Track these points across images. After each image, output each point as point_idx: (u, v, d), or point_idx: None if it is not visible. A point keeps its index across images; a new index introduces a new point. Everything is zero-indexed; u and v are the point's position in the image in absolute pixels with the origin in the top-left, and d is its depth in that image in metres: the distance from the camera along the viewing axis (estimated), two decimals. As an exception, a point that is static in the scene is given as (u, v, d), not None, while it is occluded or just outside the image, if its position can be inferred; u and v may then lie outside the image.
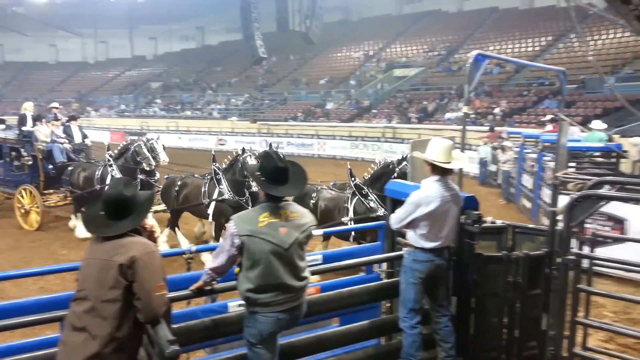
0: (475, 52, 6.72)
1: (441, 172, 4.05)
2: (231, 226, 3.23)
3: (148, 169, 9.73)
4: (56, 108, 12.59)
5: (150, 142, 9.69)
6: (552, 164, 9.50)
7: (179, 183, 8.98)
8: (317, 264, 4.46)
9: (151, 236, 3.04)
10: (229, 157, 8.74)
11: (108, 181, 9.42)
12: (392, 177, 7.16)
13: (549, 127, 12.42)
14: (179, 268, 5.40)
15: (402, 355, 4.03)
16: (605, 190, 4.98)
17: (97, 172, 10.01)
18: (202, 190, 8.57)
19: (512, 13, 34.24)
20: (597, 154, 10.04)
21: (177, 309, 3.83)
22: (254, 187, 7.99)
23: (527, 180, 11.90)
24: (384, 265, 4.97)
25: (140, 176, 9.70)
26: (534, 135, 13.12)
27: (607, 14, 10.17)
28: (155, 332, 2.71)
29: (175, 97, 41.58)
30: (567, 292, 4.25)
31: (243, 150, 8.44)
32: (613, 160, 9.65)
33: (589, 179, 5.20)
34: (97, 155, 11.47)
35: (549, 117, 13.26)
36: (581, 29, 21.55)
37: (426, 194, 4.00)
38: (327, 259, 4.66)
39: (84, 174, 10.24)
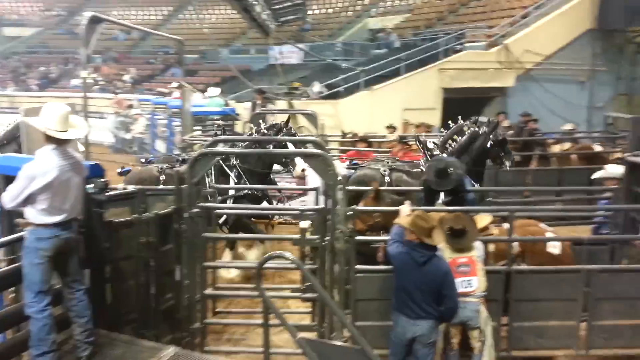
0: (89, 14, 6.43)
1: (56, 140, 3.79)
2: None
3: None
4: None
5: None
6: (180, 128, 10.18)
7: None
8: None
9: None
10: None
11: None
12: (487, 148, 6.44)
13: (176, 94, 13.13)
14: None
15: (30, 343, 3.70)
16: (220, 148, 5.70)
17: None
18: None
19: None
20: (217, 117, 11.30)
21: None
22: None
23: (160, 145, 12.37)
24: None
25: None
26: (163, 102, 13.66)
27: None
28: None
29: None
30: (196, 241, 4.73)
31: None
32: (230, 122, 11.06)
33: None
34: None
35: (174, 84, 14.01)
36: (197, 3, 23.24)
37: (41, 165, 3.70)
38: None
39: None
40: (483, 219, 4.69)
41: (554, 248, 4.77)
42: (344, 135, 10.93)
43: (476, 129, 6.57)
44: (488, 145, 6.49)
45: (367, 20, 24.30)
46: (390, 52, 17.97)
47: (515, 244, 4.66)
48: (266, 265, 4.13)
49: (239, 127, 11.32)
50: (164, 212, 4.68)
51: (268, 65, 19.42)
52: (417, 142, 7.04)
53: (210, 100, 12.51)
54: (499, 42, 15.57)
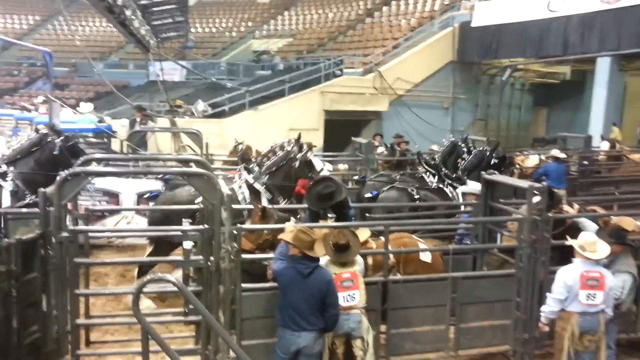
0: None
1: None
2: None
3: None
4: None
5: None
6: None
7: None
8: None
9: None
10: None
11: None
12: (492, 164, 7.37)
13: (43, 109, 12.10)
14: None
15: None
16: (93, 167, 5.36)
17: None
18: None
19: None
20: (90, 135, 10.61)
21: None
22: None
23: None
24: None
25: None
26: (27, 118, 12.47)
27: (90, 2, 10.70)
28: None
29: None
30: (66, 268, 4.37)
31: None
32: (105, 140, 10.45)
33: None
34: None
35: (41, 98, 12.89)
36: (69, 14, 21.77)
37: None
38: None
39: None
40: (362, 234, 4.96)
41: (426, 257, 5.20)
42: (236, 144, 10.86)
43: (481, 149, 7.85)
44: (492, 163, 7.67)
45: (251, 42, 24.60)
46: (274, 74, 18.35)
47: (391, 255, 4.99)
48: (145, 289, 3.96)
49: (115, 145, 10.73)
50: (28, 238, 4.26)
51: (148, 82, 18.69)
52: (418, 160, 8.02)
53: (82, 116, 11.70)
54: (373, 70, 16.71)
